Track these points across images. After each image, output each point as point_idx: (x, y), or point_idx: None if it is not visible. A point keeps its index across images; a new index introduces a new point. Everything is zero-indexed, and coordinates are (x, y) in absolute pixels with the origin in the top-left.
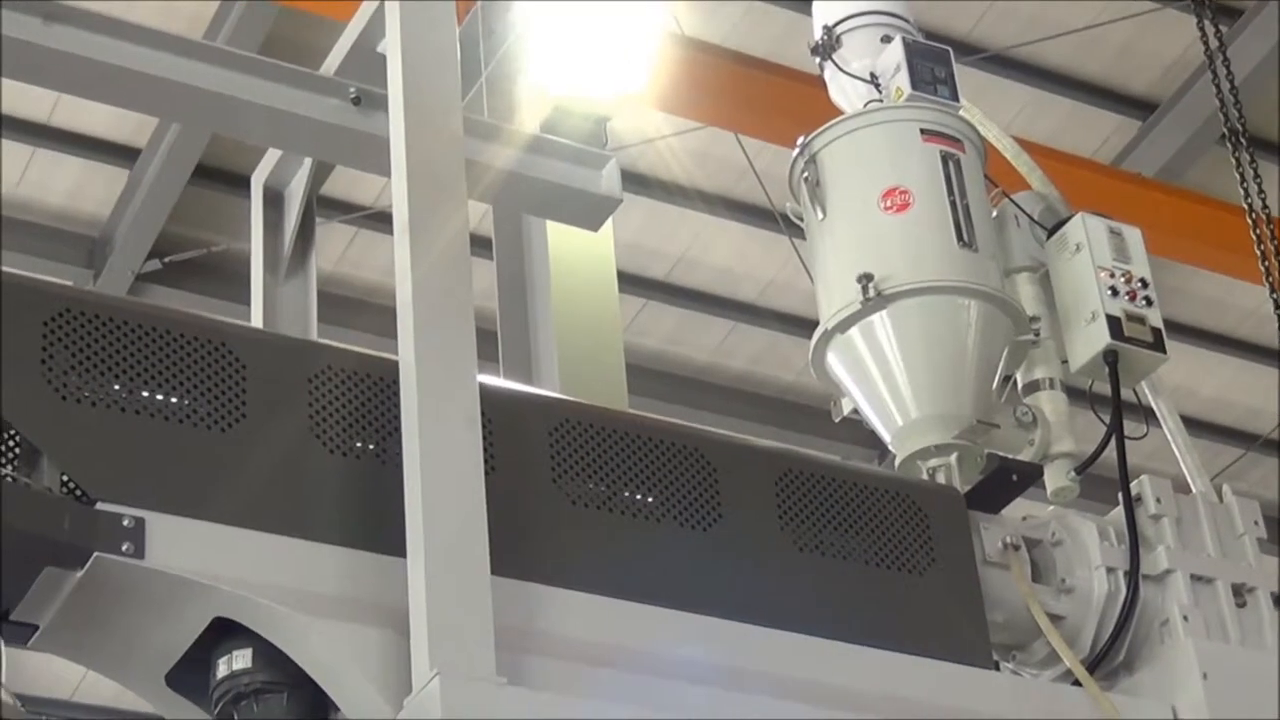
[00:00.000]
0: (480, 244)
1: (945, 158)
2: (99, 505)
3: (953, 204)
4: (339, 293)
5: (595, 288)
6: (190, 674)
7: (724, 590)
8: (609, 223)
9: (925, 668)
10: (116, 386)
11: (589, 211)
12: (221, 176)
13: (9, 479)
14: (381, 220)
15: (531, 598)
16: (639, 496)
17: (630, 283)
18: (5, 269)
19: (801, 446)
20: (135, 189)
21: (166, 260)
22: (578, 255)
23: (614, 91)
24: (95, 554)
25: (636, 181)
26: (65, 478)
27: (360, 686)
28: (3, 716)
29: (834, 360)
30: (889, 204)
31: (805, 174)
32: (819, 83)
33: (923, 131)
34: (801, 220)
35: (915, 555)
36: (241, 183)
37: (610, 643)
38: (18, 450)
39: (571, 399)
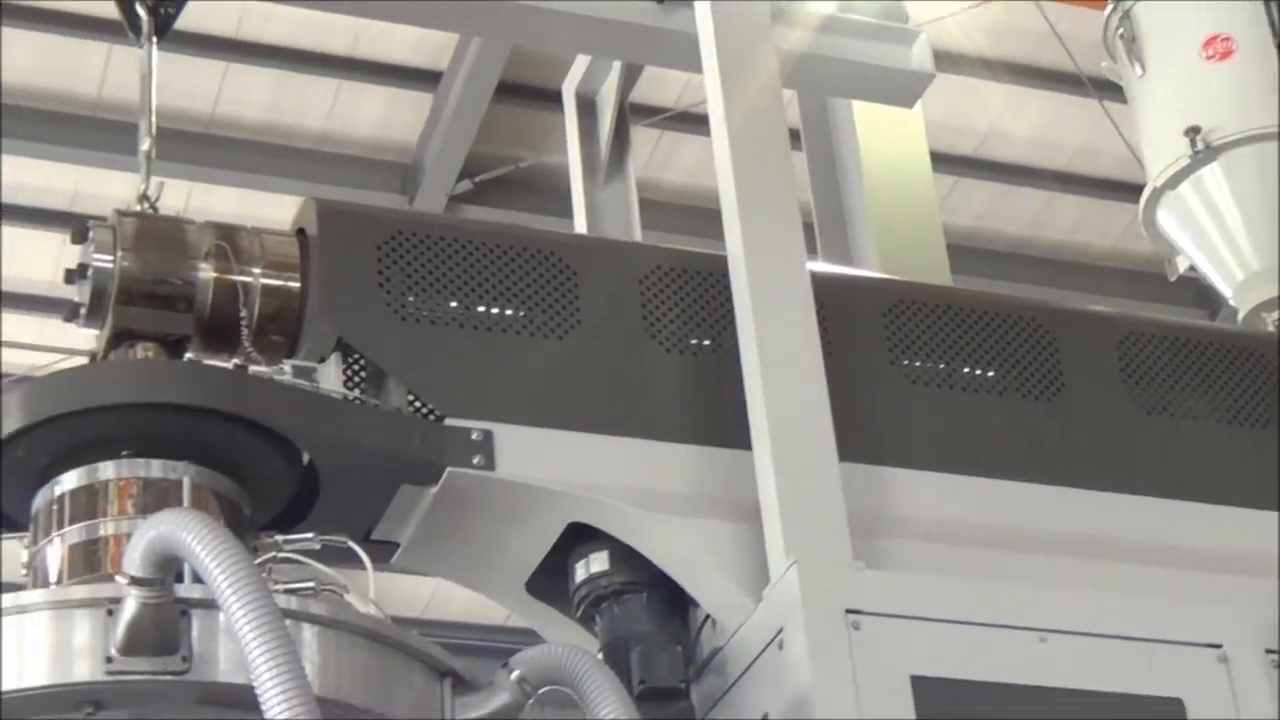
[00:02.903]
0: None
1: None
2: (447, 421)
3: (1279, 46)
4: (648, 196)
5: (908, 167)
6: (549, 580)
7: (1072, 459)
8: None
9: None
10: (453, 304)
11: (902, 89)
12: (524, 92)
13: (358, 402)
14: (685, 121)
15: (880, 481)
16: (979, 371)
17: (938, 161)
18: (332, 199)
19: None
20: (441, 112)
21: (477, 180)
22: (888, 136)
23: None
24: (448, 469)
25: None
26: (412, 397)
27: (717, 580)
28: (384, 635)
29: (1165, 218)
30: (1211, 53)
31: (1120, 30)
32: None
33: None
34: (1118, 80)
35: (1267, 410)
36: (544, 96)
37: (962, 520)
38: (364, 374)
39: (902, 279)
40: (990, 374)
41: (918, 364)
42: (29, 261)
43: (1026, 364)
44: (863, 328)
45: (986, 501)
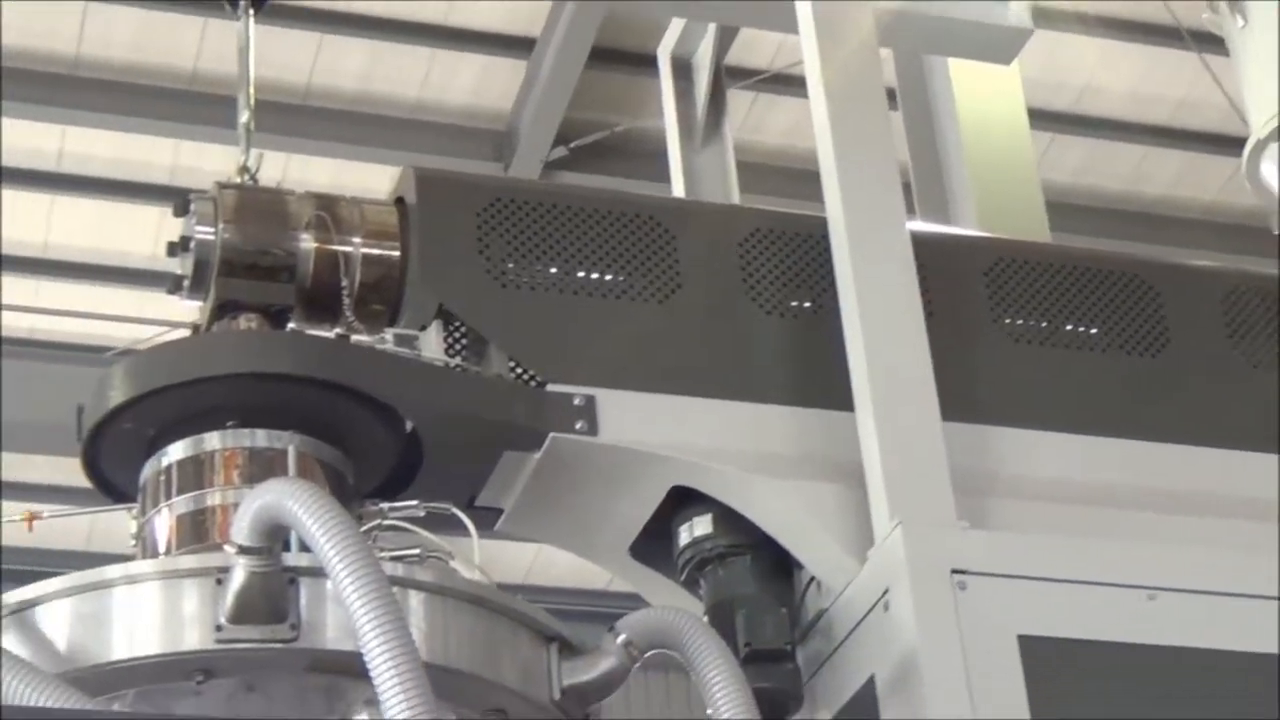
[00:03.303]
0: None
1: None
2: (549, 387)
3: None
4: (743, 159)
5: (1006, 124)
6: (653, 543)
7: (1177, 415)
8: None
9: None
10: (553, 270)
11: (999, 45)
12: (617, 57)
13: (460, 369)
14: (780, 83)
15: (984, 440)
16: (1082, 329)
17: (1034, 117)
18: (431, 167)
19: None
20: (535, 79)
21: (572, 146)
22: (985, 94)
23: None
24: (550, 434)
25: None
26: (513, 363)
27: (821, 542)
28: (490, 601)
29: (1269, 170)
30: None
31: None
32: None
33: None
34: (1218, 31)
35: None
36: (638, 61)
37: (1067, 478)
38: (465, 341)
39: (1003, 237)
40: (1093, 331)
41: (1020, 322)
42: (129, 236)
43: (1130, 320)
44: (964, 287)
45: (1091, 459)
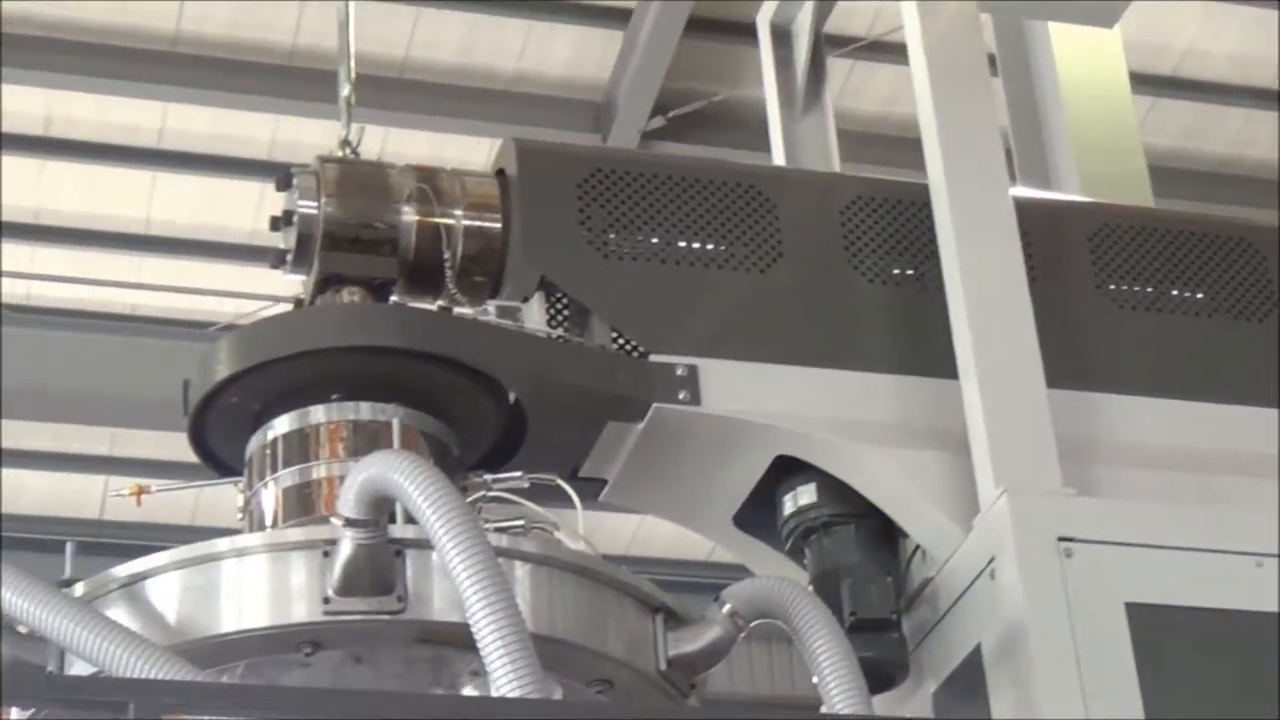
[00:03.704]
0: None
1: None
2: (651, 357)
3: None
4: (841, 127)
5: (1107, 89)
6: (756, 513)
7: None
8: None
9: None
10: (654, 240)
11: (1101, 9)
12: (714, 26)
13: (562, 340)
14: (878, 50)
15: (1089, 406)
16: (1187, 294)
17: (1135, 82)
18: (530, 139)
19: None
20: (632, 49)
21: (670, 116)
22: (1085, 58)
23: None
24: (654, 405)
25: None
26: (616, 334)
27: (926, 511)
28: (595, 571)
29: None
30: None
31: None
32: None
33: None
34: None
35: None
36: (735, 30)
37: (1173, 444)
38: (567, 312)
39: (1107, 202)
40: (1199, 296)
41: (1124, 288)
42: (230, 211)
43: (1236, 285)
44: (1067, 253)
45: (1197, 425)
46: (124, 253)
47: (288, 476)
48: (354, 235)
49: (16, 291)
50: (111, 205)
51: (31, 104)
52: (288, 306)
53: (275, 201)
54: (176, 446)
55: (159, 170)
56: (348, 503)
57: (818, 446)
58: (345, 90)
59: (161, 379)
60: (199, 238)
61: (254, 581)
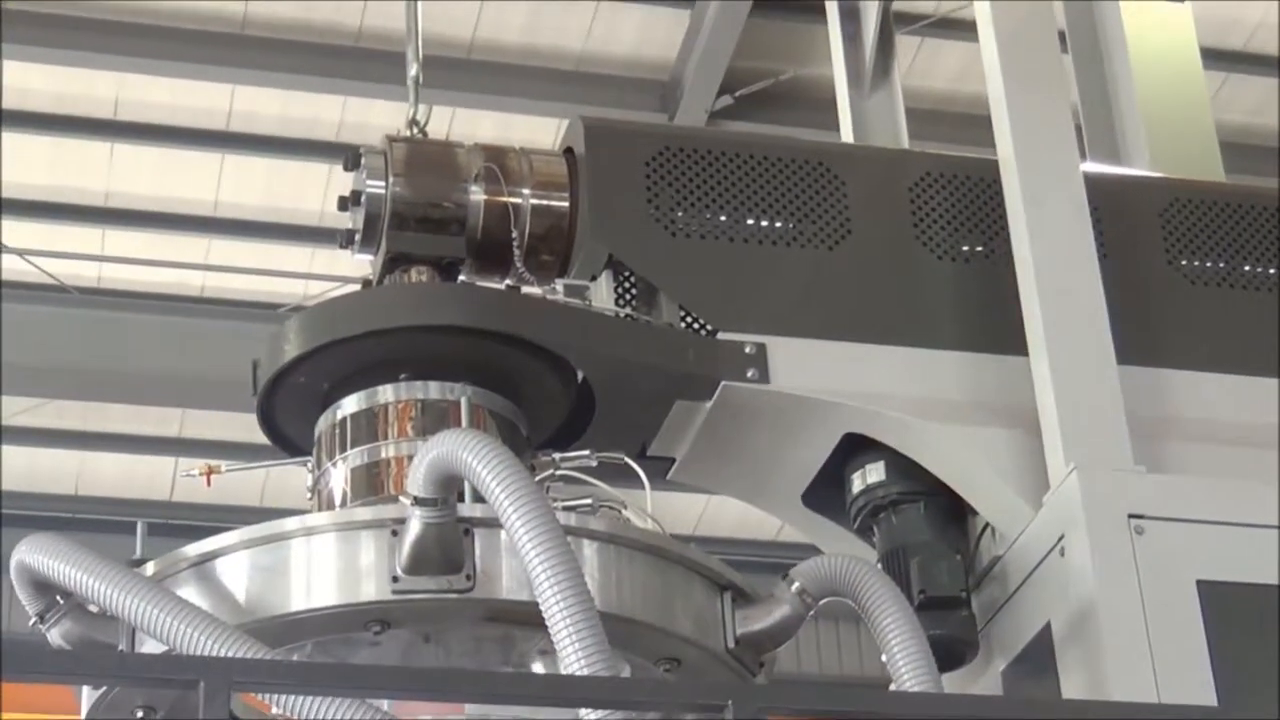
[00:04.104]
0: None
1: None
2: (720, 335)
3: None
4: (910, 104)
5: (1178, 64)
6: (825, 491)
7: None
8: None
9: None
10: (723, 217)
11: None
12: (782, 4)
13: (630, 319)
14: (945, 27)
15: (1161, 383)
16: (1261, 269)
17: (1207, 57)
18: (598, 117)
19: None
20: (699, 28)
21: (737, 95)
22: (1156, 33)
23: None
24: (722, 382)
25: None
26: (684, 312)
27: (996, 488)
28: (664, 550)
29: None
30: None
31: None
32: None
33: None
34: None
35: None
36: (803, 8)
37: (1245, 421)
38: (635, 291)
39: (1179, 178)
40: (1273, 271)
41: (1196, 263)
42: (297, 192)
43: None
44: (1139, 229)
45: (1269, 401)
46: (193, 235)
47: (356, 456)
48: (422, 214)
49: (87, 274)
50: (180, 188)
51: (101, 88)
52: (356, 287)
53: (344, 182)
54: (246, 427)
55: (227, 152)
56: (416, 481)
57: (887, 424)
58: (413, 70)
59: (231, 360)
60: (267, 219)
61: (323, 560)
